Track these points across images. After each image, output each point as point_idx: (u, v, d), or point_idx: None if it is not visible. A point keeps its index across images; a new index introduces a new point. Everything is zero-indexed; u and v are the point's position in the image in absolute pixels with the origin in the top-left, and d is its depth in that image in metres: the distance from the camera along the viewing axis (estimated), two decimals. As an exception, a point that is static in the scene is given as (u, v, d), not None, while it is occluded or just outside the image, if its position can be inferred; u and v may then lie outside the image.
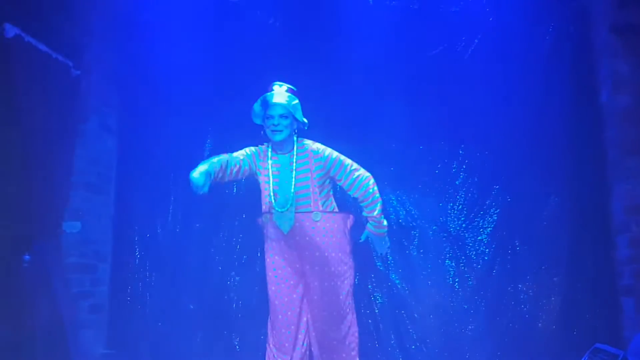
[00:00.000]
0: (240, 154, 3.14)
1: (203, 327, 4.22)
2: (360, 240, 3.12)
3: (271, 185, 3.04)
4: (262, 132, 3.11)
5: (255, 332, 4.07)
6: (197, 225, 4.39)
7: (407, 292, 4.17)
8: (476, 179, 4.21)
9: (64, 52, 3.66)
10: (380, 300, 4.18)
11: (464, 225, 4.19)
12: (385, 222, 3.05)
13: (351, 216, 3.14)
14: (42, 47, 3.45)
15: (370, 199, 3.01)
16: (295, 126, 3.08)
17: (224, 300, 4.25)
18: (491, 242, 4.12)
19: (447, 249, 4.19)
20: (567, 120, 4.04)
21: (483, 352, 3.96)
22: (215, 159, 2.98)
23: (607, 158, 3.84)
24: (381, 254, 3.21)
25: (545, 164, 4.05)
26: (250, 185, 4.34)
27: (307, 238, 2.97)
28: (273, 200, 3.00)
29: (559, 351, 3.77)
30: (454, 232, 4.20)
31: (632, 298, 3.54)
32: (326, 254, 2.97)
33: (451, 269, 4.15)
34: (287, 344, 3.03)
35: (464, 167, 4.26)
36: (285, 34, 4.42)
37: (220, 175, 2.99)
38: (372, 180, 3.02)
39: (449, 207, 4.24)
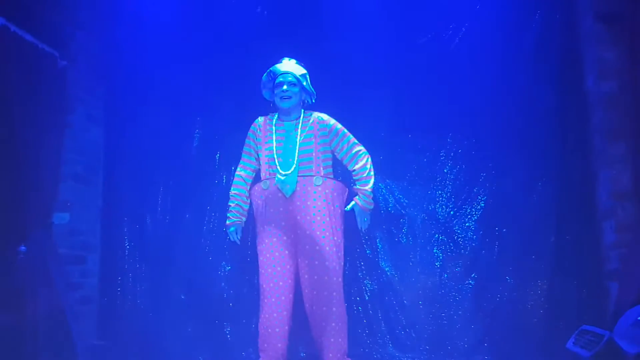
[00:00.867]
0: (243, 167, 3.37)
1: (194, 317, 4.23)
2: (346, 210, 3.29)
3: (275, 149, 3.12)
4: (270, 104, 3.33)
5: (246, 321, 4.10)
6: (187, 215, 4.39)
7: (396, 279, 4.21)
8: (464, 167, 4.24)
9: (50, 42, 3.62)
10: (370, 287, 4.21)
11: (452, 212, 4.23)
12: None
13: (347, 190, 3.25)
14: (28, 37, 3.41)
15: (366, 174, 3.20)
16: (303, 96, 3.19)
17: (215, 290, 4.26)
18: (478, 228, 4.16)
19: (435, 236, 4.22)
20: (553, 107, 4.07)
21: (471, 337, 4.00)
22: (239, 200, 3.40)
23: (593, 144, 3.87)
24: (361, 228, 3.33)
25: (532, 151, 4.09)
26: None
27: (308, 202, 3.05)
28: (277, 164, 3.07)
29: (546, 335, 3.81)
30: (442, 219, 4.23)
31: (618, 282, 3.59)
32: (319, 218, 3.08)
33: (439, 256, 4.19)
34: (278, 329, 3.07)
35: (452, 155, 4.28)
36: (273, 22, 4.41)
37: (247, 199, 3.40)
38: (369, 158, 3.28)
39: (437, 194, 4.27)
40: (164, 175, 4.40)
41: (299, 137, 3.17)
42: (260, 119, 3.33)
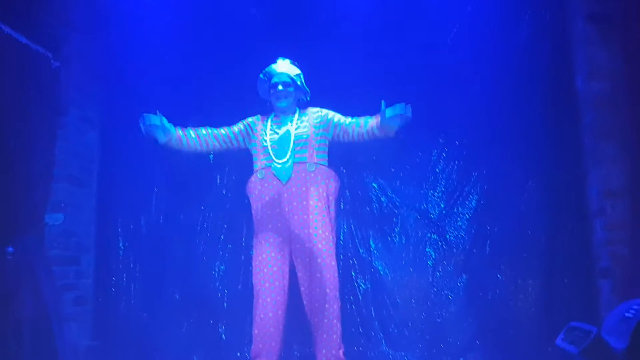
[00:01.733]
0: (233, 126, 3.37)
1: (188, 317, 4.25)
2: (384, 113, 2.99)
3: (269, 140, 3.18)
4: (267, 104, 3.36)
5: (241, 320, 4.11)
6: (181, 216, 4.41)
7: (389, 278, 4.25)
8: (455, 167, 4.28)
9: (44, 43, 3.63)
10: (363, 287, 4.25)
11: (444, 211, 4.26)
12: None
13: (339, 180, 3.28)
14: (22, 38, 3.42)
15: (367, 117, 3.22)
16: (297, 95, 3.30)
17: (209, 289, 4.29)
18: (470, 227, 4.20)
19: (427, 235, 4.26)
20: (544, 107, 4.09)
21: (464, 335, 4.04)
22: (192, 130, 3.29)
23: (584, 144, 3.90)
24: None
25: (523, 150, 4.11)
26: (233, 175, 4.38)
27: (303, 188, 3.10)
28: (271, 153, 3.11)
29: (537, 333, 3.85)
30: (435, 218, 4.27)
31: (609, 280, 3.62)
32: (312, 202, 3.11)
33: (432, 255, 4.23)
34: (272, 329, 3.08)
35: (444, 155, 4.33)
36: (267, 23, 4.44)
37: (196, 138, 3.28)
38: None
39: (430, 194, 4.31)
40: (158, 176, 4.42)
41: (294, 127, 3.23)
42: (259, 116, 3.38)
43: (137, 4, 4.39)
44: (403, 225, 4.30)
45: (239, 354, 4.06)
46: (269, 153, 3.20)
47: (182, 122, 4.39)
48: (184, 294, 4.29)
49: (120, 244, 4.33)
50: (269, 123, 3.31)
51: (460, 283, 4.15)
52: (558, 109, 4.06)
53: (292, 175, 3.14)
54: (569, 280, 3.88)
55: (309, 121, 3.28)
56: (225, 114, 4.29)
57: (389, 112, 2.98)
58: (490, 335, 3.99)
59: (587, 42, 3.89)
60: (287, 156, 3.16)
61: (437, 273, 4.19)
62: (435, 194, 4.30)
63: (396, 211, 4.33)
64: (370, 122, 3.19)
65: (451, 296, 4.14)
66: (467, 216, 4.22)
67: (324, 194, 3.18)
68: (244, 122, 3.39)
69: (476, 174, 4.23)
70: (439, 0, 4.33)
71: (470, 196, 4.23)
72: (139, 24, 4.38)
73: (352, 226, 4.34)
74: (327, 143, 3.33)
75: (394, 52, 4.36)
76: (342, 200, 4.18)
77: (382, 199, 4.36)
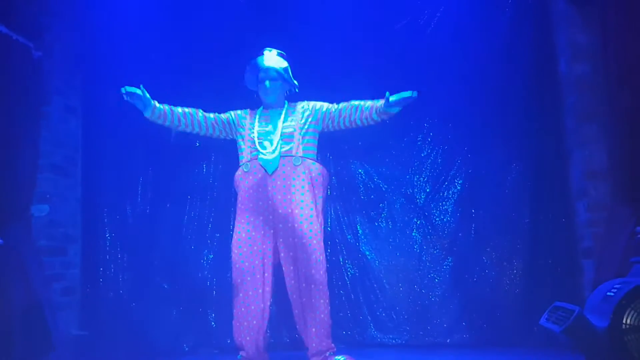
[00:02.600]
0: (223, 114, 3.38)
1: (177, 306, 4.26)
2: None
3: (256, 132, 3.19)
4: (255, 95, 3.36)
5: (230, 308, 4.10)
6: (168, 205, 4.40)
7: (376, 263, 4.28)
8: (440, 151, 4.31)
9: (25, 33, 3.57)
10: (351, 272, 4.28)
11: (429, 196, 4.30)
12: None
13: (328, 173, 3.29)
14: (2, 28, 3.37)
15: (359, 102, 3.28)
16: (285, 88, 3.25)
17: (198, 278, 4.29)
18: (455, 211, 4.24)
19: (414, 220, 4.30)
20: (527, 90, 4.13)
21: (450, 317, 4.10)
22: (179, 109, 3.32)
23: (566, 125, 3.95)
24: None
25: (507, 133, 4.16)
26: (220, 164, 4.38)
27: (288, 182, 3.10)
28: (258, 146, 3.11)
29: (522, 313, 3.91)
30: (420, 203, 4.30)
31: (592, 260, 3.67)
32: (298, 197, 3.12)
33: (418, 239, 4.27)
34: (255, 322, 3.10)
35: (429, 139, 4.35)
36: (252, 12, 4.40)
37: (182, 118, 3.31)
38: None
39: (415, 179, 4.34)
40: (144, 165, 4.40)
41: (281, 120, 3.23)
42: (248, 111, 3.37)
43: (119, -9, 4.35)
44: (389, 210, 4.33)
45: (229, 341, 4.07)
46: (255, 145, 3.19)
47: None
48: (172, 283, 4.29)
49: (107, 234, 4.31)
50: (257, 117, 3.30)
51: (446, 266, 4.20)
52: (541, 92, 4.10)
53: (278, 167, 3.13)
54: (552, 261, 3.94)
55: (297, 115, 3.27)
56: (210, 102, 4.28)
57: (394, 97, 3.12)
58: (475, 316, 4.05)
59: (568, 24, 3.92)
60: (273, 147, 3.15)
61: (424, 257, 4.23)
62: (421, 178, 4.33)
63: (383, 196, 4.35)
64: (366, 111, 3.25)
65: (437, 279, 4.19)
66: (453, 200, 4.26)
67: (311, 187, 3.17)
68: (232, 112, 3.39)
69: (460, 158, 4.26)
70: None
71: (456, 180, 4.26)
72: (122, 10, 4.34)
73: (339, 212, 4.36)
74: (316, 136, 3.32)
75: (379, 38, 4.36)
76: (329, 187, 4.20)
77: (368, 184, 4.38)
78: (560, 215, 3.96)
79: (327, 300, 3.12)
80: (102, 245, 4.29)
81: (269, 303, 3.16)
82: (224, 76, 4.22)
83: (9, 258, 3.23)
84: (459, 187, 4.25)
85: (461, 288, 4.12)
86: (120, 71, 4.31)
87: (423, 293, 4.17)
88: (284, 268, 3.16)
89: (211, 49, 4.39)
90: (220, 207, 4.36)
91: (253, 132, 3.23)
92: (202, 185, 4.41)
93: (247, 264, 3.13)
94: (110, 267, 4.28)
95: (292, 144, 3.18)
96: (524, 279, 4.02)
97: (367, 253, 4.30)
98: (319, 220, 3.18)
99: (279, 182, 3.12)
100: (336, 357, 3.10)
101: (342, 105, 3.31)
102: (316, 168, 3.22)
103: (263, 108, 3.35)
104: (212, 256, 4.33)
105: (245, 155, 3.25)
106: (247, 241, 3.14)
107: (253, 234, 3.15)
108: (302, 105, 3.34)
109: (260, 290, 3.12)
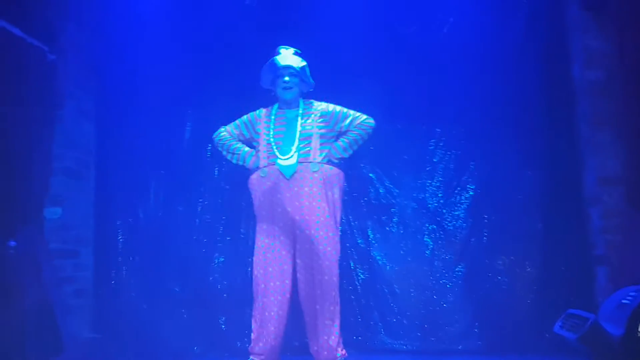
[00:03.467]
0: (233, 127, 3.36)
1: (188, 309, 4.26)
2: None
3: (272, 136, 3.17)
4: (272, 94, 3.34)
5: (240, 311, 4.12)
6: (180, 208, 4.41)
7: (387, 268, 4.27)
8: (453, 156, 4.29)
9: (39, 36, 3.59)
10: (362, 277, 4.27)
11: (441, 201, 4.28)
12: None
13: (342, 173, 3.28)
14: (17, 31, 3.40)
15: (355, 136, 3.26)
16: (303, 86, 3.30)
17: (209, 281, 4.30)
18: (468, 217, 4.22)
19: (425, 225, 4.28)
20: (541, 96, 4.11)
21: (462, 323, 4.08)
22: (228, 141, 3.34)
23: (580, 132, 3.92)
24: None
25: (520, 139, 4.14)
26: (231, 167, 4.38)
27: (305, 189, 3.08)
28: (276, 151, 3.10)
29: (535, 321, 3.88)
30: (432, 208, 4.28)
31: (605, 267, 3.65)
32: (315, 203, 3.10)
33: (430, 244, 4.25)
34: (273, 327, 3.09)
35: (441, 144, 4.33)
36: (263, 14, 4.42)
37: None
38: (368, 126, 3.30)
39: (427, 184, 4.32)
40: (156, 169, 4.42)
41: (299, 124, 3.22)
42: (262, 110, 3.35)
43: (132, -5, 4.38)
44: (401, 215, 4.32)
45: (239, 344, 4.08)
46: (272, 150, 3.18)
47: (179, 111, 4.44)
48: (183, 286, 4.29)
49: (119, 237, 4.33)
50: (272, 117, 3.29)
51: (458, 272, 4.17)
52: (554, 98, 4.09)
53: (296, 172, 3.13)
54: (565, 267, 3.92)
55: (313, 117, 3.25)
56: (222, 105, 4.32)
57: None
58: (488, 323, 4.02)
59: (582, 30, 3.91)
60: (292, 152, 3.14)
61: (435, 262, 4.21)
62: (433, 183, 4.31)
63: (394, 201, 4.34)
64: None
65: (449, 285, 4.17)
66: (465, 205, 4.23)
67: (329, 193, 3.14)
68: (242, 122, 3.35)
69: (473, 163, 4.24)
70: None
71: (468, 185, 4.24)
72: (136, 15, 4.36)
73: (350, 217, 4.35)
74: (331, 138, 3.27)
75: (391, 42, 4.36)
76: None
77: (379, 189, 4.37)
78: (573, 222, 3.93)
79: (339, 308, 3.11)
80: (114, 248, 4.31)
81: (287, 309, 3.15)
82: (239, 77, 4.23)
83: (22, 260, 3.25)
84: (471, 193, 4.23)
85: (473, 294, 4.09)
86: (134, 75, 4.36)
87: (435, 299, 4.14)
88: (298, 275, 3.14)
89: (225, 50, 4.40)
90: (231, 211, 4.36)
91: (270, 136, 3.22)
92: (213, 189, 4.42)
93: (270, 269, 3.12)
94: (122, 270, 4.30)
95: (309, 148, 3.16)
96: (536, 286, 3.99)
97: (378, 258, 4.28)
98: (337, 225, 3.17)
99: (296, 189, 3.10)
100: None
101: (351, 130, 3.29)
102: (333, 173, 3.20)
103: (278, 107, 3.33)
104: (222, 260, 4.34)
105: (262, 159, 3.22)
106: (270, 247, 3.13)
107: (275, 241, 3.13)
108: (319, 109, 3.30)
109: (279, 297, 3.10)
